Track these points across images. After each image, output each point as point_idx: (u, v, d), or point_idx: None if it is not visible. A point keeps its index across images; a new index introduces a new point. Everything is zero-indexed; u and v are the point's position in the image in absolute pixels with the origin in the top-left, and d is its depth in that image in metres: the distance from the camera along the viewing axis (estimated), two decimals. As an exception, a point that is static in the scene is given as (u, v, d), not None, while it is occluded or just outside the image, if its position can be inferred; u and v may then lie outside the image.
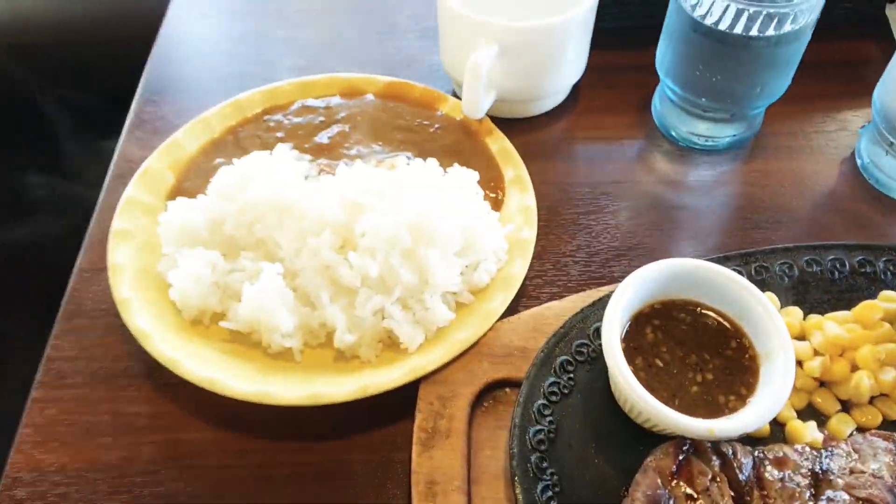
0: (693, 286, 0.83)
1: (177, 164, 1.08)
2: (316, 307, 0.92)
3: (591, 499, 0.78)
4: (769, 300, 0.90)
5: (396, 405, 0.88)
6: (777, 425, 0.84)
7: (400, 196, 0.93)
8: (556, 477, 0.79)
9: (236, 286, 0.93)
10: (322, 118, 1.14)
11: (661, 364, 0.81)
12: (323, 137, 1.11)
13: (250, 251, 0.95)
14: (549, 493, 0.78)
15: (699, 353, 0.82)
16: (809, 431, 0.82)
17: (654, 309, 0.84)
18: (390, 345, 0.92)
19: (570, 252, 1.06)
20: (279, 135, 1.13)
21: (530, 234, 0.99)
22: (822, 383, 0.87)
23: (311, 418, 0.89)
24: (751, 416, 0.74)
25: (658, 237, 1.09)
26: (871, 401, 0.85)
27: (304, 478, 0.86)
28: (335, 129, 1.13)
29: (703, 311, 0.84)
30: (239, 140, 1.11)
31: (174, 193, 1.04)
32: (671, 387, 0.79)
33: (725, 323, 0.83)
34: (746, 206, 1.13)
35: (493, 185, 1.06)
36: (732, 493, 0.73)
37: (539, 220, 1.06)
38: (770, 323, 0.79)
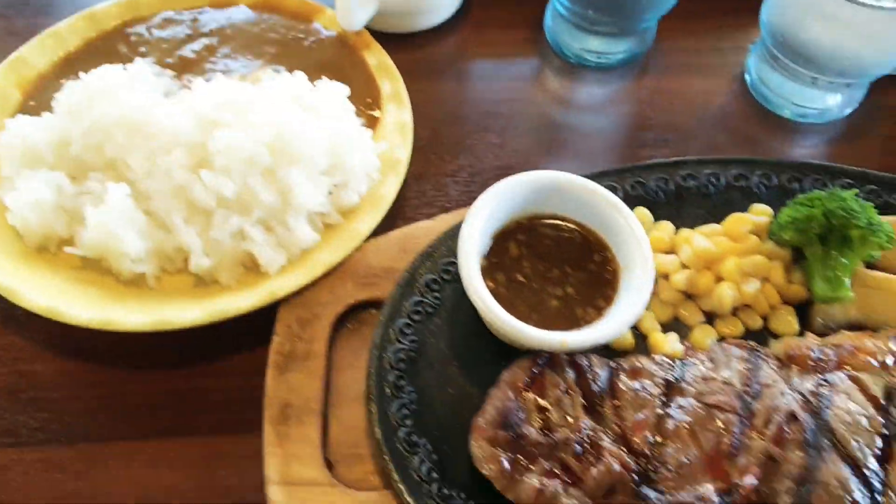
0: (559, 200, 0.81)
1: (24, 82, 0.99)
2: (170, 231, 0.86)
3: (449, 417, 0.77)
4: (640, 215, 0.89)
5: (258, 330, 0.84)
6: (641, 338, 0.83)
7: (259, 112, 0.87)
8: (414, 395, 0.77)
9: (84, 210, 0.86)
10: (188, 31, 1.06)
11: (522, 279, 0.79)
12: (188, 52, 1.03)
13: (99, 173, 0.88)
14: (405, 412, 0.76)
15: (561, 267, 0.80)
16: (670, 343, 0.81)
17: (519, 225, 0.82)
18: (253, 269, 0.87)
19: (451, 172, 1.03)
20: (141, 49, 1.04)
21: (405, 152, 0.95)
22: (689, 296, 0.86)
23: (165, 346, 0.84)
24: (604, 328, 0.73)
25: (544, 156, 1.06)
26: (735, 312, 0.85)
27: (157, 406, 0.82)
28: (202, 42, 1.05)
29: (568, 226, 0.82)
30: (95, 55, 1.03)
31: (19, 113, 0.96)
32: (531, 302, 0.77)
33: (589, 237, 0.81)
34: (635, 124, 1.11)
35: (369, 102, 1.01)
36: (584, 403, 0.72)
37: (421, 140, 1.02)
38: (632, 236, 0.77)
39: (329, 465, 0.75)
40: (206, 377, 0.84)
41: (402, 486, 0.71)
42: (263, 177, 0.86)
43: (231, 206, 0.85)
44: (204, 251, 0.85)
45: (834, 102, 1.10)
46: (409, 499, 0.70)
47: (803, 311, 0.85)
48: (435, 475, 0.72)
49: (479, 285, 0.73)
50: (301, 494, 0.72)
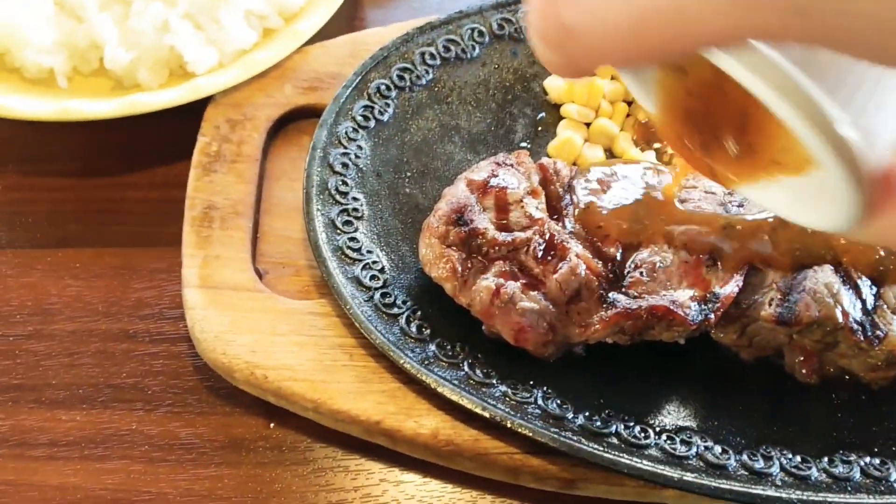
0: None
1: None
2: (82, 20, 0.74)
3: (399, 226, 0.68)
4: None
5: (183, 142, 0.73)
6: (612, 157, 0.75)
7: None
8: (358, 202, 0.68)
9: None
10: None
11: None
12: None
13: (-2, -49, 0.76)
14: (347, 218, 0.67)
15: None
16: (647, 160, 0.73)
17: None
18: (181, 74, 0.76)
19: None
20: None
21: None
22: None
23: (76, 154, 0.74)
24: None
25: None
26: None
27: (64, 215, 0.72)
28: None
29: None
30: None
31: None
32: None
33: None
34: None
35: None
36: (550, 205, 0.64)
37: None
38: None
39: (258, 275, 0.66)
40: (122, 188, 0.74)
41: (341, 291, 0.62)
42: (191, -40, 0.74)
43: (153, -9, 0.74)
44: (121, 43, 0.73)
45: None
46: (349, 303, 0.61)
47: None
48: (377, 283, 0.64)
49: None
50: (223, 299, 0.62)
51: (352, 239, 0.65)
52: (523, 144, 0.76)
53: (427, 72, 0.77)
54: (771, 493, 0.57)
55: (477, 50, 0.79)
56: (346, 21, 0.88)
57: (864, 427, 0.62)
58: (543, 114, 0.78)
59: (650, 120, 0.76)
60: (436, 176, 0.72)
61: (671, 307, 0.59)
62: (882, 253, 0.61)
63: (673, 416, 0.61)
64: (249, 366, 0.59)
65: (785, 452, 0.60)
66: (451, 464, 0.60)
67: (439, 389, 0.58)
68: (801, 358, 0.63)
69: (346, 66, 0.76)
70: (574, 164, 0.74)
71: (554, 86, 0.78)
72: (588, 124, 0.76)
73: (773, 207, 0.39)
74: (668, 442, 0.59)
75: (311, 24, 0.78)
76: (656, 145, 0.76)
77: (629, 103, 0.78)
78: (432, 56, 0.78)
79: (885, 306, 0.60)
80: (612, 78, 0.78)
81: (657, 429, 0.60)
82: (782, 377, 0.64)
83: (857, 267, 0.61)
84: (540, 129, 0.77)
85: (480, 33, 0.80)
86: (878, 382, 0.63)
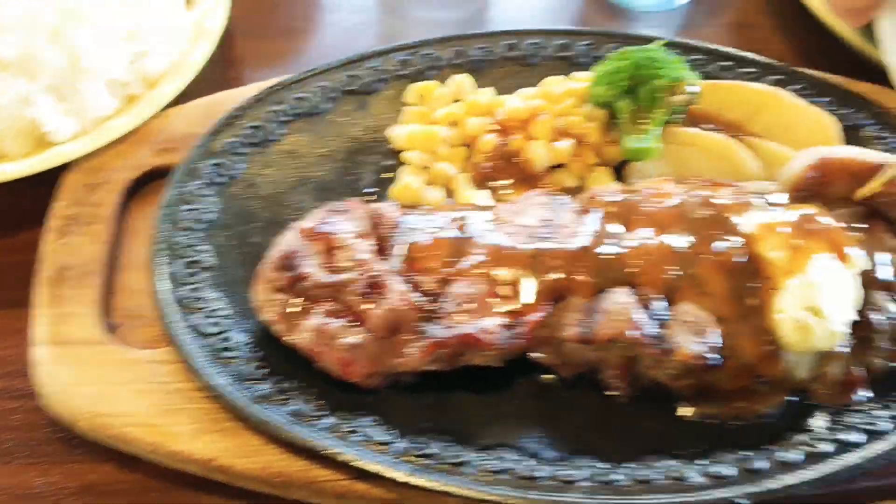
0: None
1: None
2: (-55, 98, 0.79)
3: (243, 275, 0.73)
4: (462, 82, 0.87)
5: (42, 208, 0.78)
6: (448, 198, 0.81)
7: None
8: (205, 255, 0.73)
9: None
10: None
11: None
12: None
13: None
14: (193, 270, 0.72)
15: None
16: (481, 200, 0.80)
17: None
18: (45, 143, 0.81)
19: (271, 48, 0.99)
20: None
21: (220, 18, 0.90)
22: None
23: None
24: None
25: (373, 38, 1.04)
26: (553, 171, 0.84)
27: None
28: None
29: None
30: None
31: None
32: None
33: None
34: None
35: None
36: (377, 247, 0.70)
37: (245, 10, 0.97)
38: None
39: (111, 328, 0.71)
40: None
41: (178, 340, 0.66)
42: (50, 36, 0.80)
43: (13, 69, 0.79)
44: (-17, 118, 0.79)
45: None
46: (184, 350, 0.66)
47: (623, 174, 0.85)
48: (216, 329, 0.68)
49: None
50: (71, 354, 0.67)
51: (194, 290, 0.70)
52: (369, 190, 0.82)
53: (278, 128, 0.83)
54: (577, 498, 0.62)
55: (327, 105, 0.85)
56: (217, 82, 0.93)
57: (667, 432, 0.67)
58: (389, 161, 0.84)
59: (487, 161, 0.83)
60: (285, 225, 0.77)
61: (478, 335, 0.64)
62: (673, 274, 0.68)
63: (492, 434, 0.66)
64: (91, 415, 0.64)
65: (593, 461, 0.65)
66: (286, 493, 0.64)
67: (267, 426, 0.63)
68: (613, 372, 0.69)
69: (201, 127, 0.82)
70: (413, 205, 0.80)
71: (397, 135, 0.84)
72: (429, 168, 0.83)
73: None
74: (483, 459, 0.64)
75: (171, 88, 0.83)
76: (491, 184, 0.82)
77: (468, 146, 0.85)
78: (284, 113, 0.84)
79: (675, 321, 0.67)
80: (454, 124, 0.85)
81: (475, 447, 0.65)
82: (599, 391, 0.69)
83: (651, 287, 0.67)
84: (385, 175, 0.83)
85: (331, 89, 0.86)
86: (684, 389, 0.69)
